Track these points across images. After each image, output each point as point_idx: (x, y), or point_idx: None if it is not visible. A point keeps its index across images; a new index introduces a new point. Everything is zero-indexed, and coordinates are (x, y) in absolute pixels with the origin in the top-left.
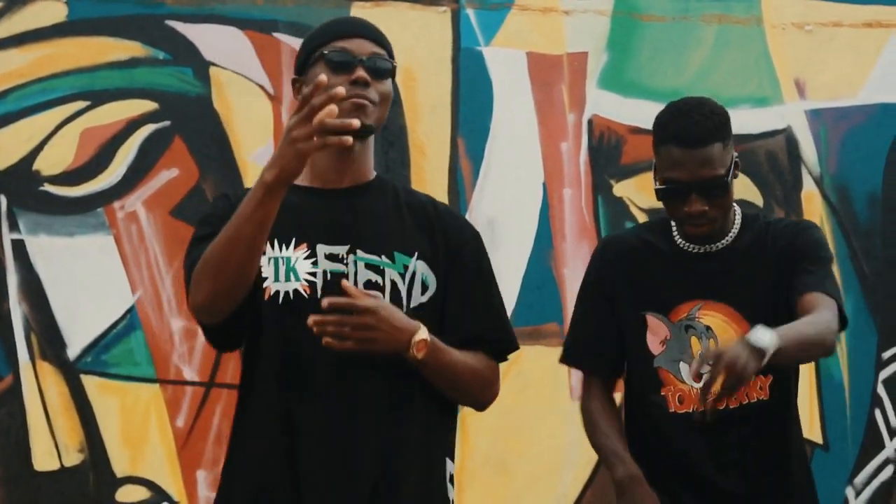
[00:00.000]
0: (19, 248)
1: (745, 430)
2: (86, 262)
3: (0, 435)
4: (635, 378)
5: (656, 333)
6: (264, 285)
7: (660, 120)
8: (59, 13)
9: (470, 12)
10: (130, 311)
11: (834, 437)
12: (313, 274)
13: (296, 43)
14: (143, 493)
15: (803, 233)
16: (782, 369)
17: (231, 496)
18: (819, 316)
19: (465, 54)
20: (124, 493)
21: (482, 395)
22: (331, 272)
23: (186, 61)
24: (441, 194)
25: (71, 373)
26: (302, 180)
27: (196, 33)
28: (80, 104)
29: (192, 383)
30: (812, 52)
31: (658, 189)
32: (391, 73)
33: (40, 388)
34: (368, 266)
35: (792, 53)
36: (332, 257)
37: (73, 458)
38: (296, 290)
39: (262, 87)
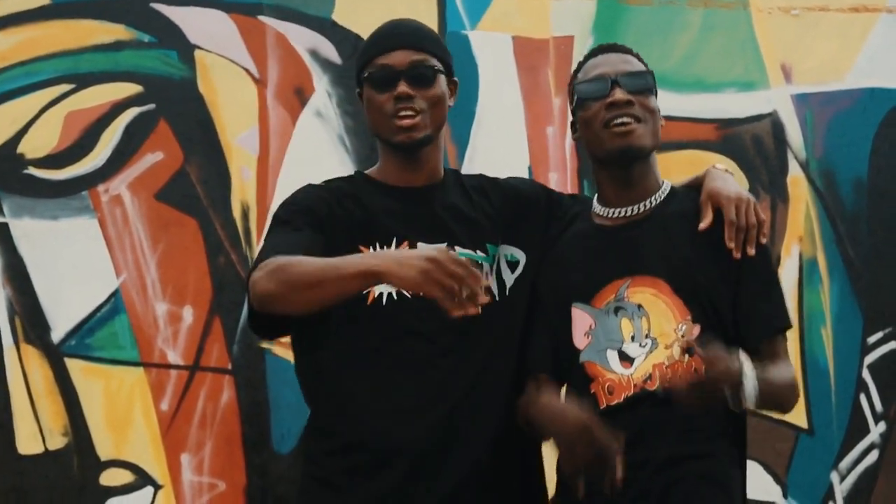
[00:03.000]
0: (3, 231)
1: (675, 416)
2: (70, 246)
3: None
4: (566, 379)
5: (580, 326)
6: (365, 291)
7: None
8: None
9: None
10: (115, 294)
11: (819, 422)
12: None
13: (280, 26)
14: (127, 476)
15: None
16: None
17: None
18: (787, 374)
19: (450, 38)
20: (108, 476)
21: None
22: None
23: (171, 44)
24: None
25: (55, 356)
26: (379, 177)
27: (181, 16)
28: (65, 87)
29: (177, 367)
30: (798, 37)
31: (579, 94)
32: (437, 74)
33: (24, 372)
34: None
35: (778, 37)
36: None
37: (57, 442)
38: (399, 291)
39: (247, 70)
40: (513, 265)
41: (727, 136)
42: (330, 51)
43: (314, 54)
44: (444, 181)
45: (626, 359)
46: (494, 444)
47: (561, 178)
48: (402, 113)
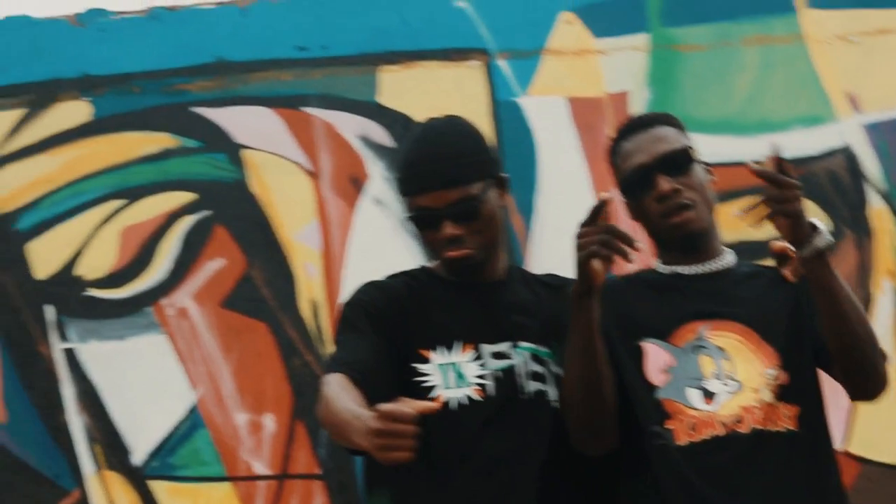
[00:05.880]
0: (71, 357)
1: (769, 462)
2: (140, 365)
3: None
4: (632, 410)
5: (656, 361)
6: (432, 394)
7: None
8: (84, 112)
9: (502, 63)
10: (192, 410)
11: None
12: (482, 376)
13: (327, 115)
14: None
15: None
16: (809, 399)
17: None
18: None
19: (502, 107)
20: None
21: None
22: (500, 369)
23: (218, 147)
24: None
25: (139, 480)
26: (443, 271)
27: (224, 117)
28: (116, 203)
29: (265, 477)
30: (861, 64)
31: (624, 190)
32: (477, 210)
33: (110, 500)
34: (534, 357)
35: (840, 67)
36: (498, 355)
37: None
38: (467, 395)
39: (297, 164)
40: None
41: (800, 177)
42: (380, 134)
43: (364, 140)
44: (511, 278)
45: (707, 395)
46: None
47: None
48: (452, 251)
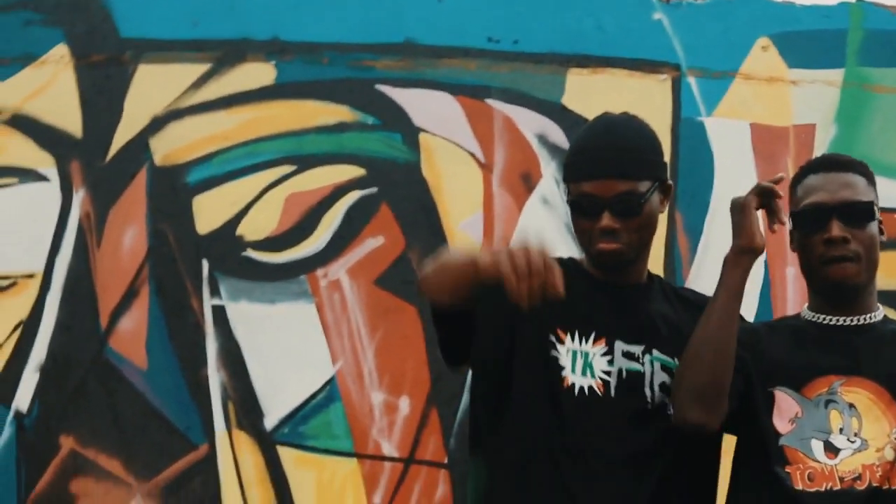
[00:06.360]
0: (219, 314)
1: None
2: (286, 331)
3: None
4: (756, 450)
5: (784, 411)
6: (563, 374)
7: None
8: (267, 75)
9: (692, 81)
10: (330, 382)
11: None
12: (608, 372)
13: (508, 109)
14: None
15: None
16: None
17: None
18: None
19: (685, 124)
20: None
21: None
22: (626, 370)
23: (396, 127)
24: (656, 270)
25: (267, 443)
26: (589, 268)
27: (406, 98)
28: (286, 168)
29: (391, 459)
30: None
31: (796, 223)
32: (641, 207)
33: (235, 459)
34: (664, 368)
35: None
36: (628, 355)
37: None
38: (590, 387)
39: (472, 154)
40: None
41: None
42: (559, 136)
43: (542, 139)
44: (652, 285)
45: (831, 449)
46: None
47: (798, 273)
48: (604, 244)
